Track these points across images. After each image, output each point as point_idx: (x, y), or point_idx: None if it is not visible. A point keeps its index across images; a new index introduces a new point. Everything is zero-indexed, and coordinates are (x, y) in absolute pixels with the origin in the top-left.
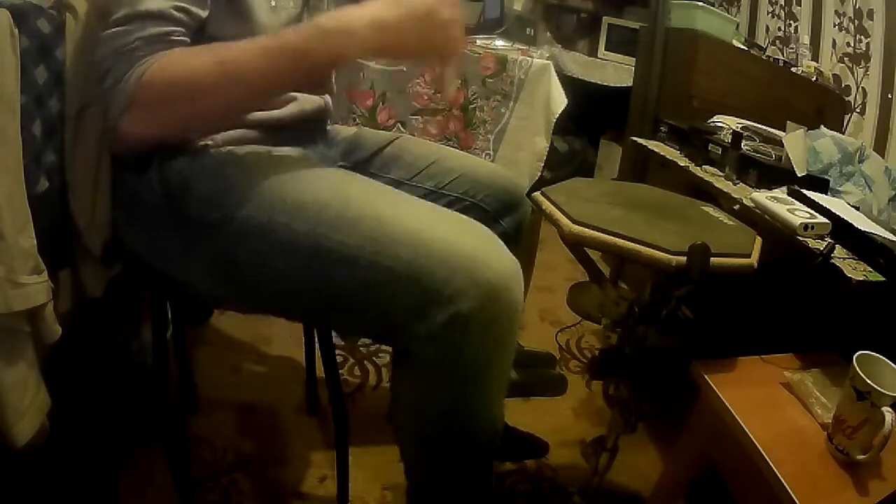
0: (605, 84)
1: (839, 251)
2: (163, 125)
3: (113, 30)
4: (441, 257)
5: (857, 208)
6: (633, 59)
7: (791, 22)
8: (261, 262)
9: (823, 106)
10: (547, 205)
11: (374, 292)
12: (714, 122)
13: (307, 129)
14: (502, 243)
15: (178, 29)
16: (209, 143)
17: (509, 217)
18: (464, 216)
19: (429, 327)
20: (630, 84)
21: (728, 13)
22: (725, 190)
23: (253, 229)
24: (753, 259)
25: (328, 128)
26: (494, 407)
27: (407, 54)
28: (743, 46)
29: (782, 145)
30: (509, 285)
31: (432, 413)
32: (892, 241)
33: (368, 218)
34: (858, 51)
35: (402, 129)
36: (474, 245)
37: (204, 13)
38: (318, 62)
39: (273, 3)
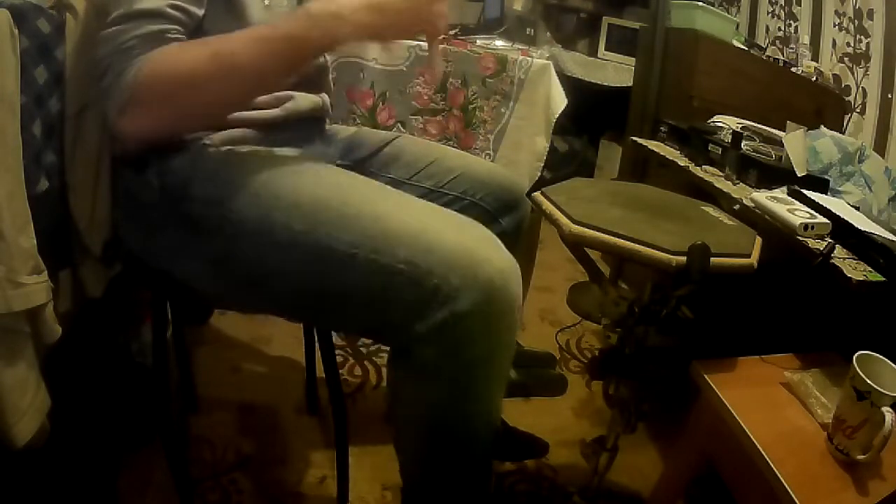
0: (605, 84)
1: (839, 251)
2: (162, 120)
3: (110, 29)
4: (439, 256)
5: (857, 208)
6: (633, 59)
7: (791, 22)
8: (259, 261)
9: (823, 106)
10: (547, 205)
11: (372, 291)
12: (714, 122)
13: (305, 129)
14: (500, 241)
15: (175, 27)
16: (208, 143)
17: (509, 216)
18: (461, 215)
19: (427, 326)
20: (630, 84)
21: (728, 13)
22: (725, 190)
23: (251, 229)
24: (753, 259)
25: (327, 127)
26: (493, 405)
27: (398, 33)
28: (743, 46)
29: (782, 145)
30: (507, 282)
31: (431, 411)
32: (892, 241)
33: (367, 216)
34: (858, 51)
35: (401, 128)
36: (472, 243)
37: (200, 12)
38: (312, 47)
39: (267, 2)
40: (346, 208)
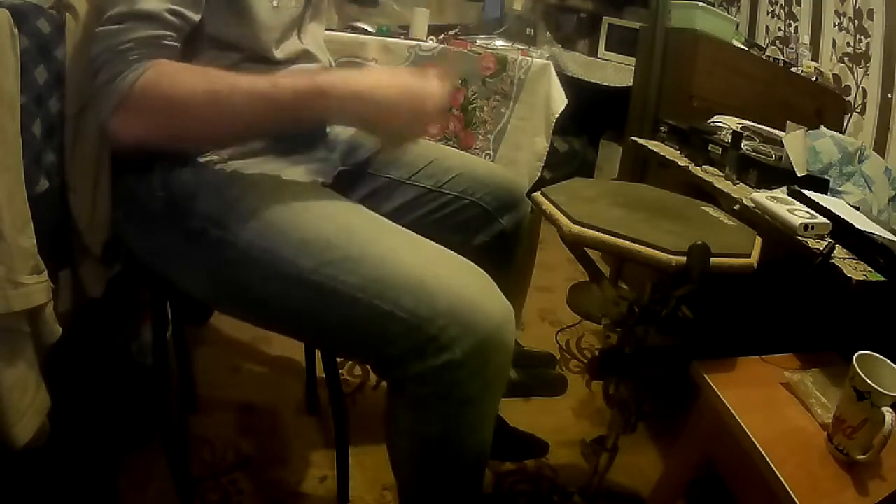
0: (605, 84)
1: (839, 251)
2: (149, 133)
3: (107, 27)
4: (440, 306)
5: (857, 208)
6: (633, 59)
7: (791, 22)
8: (262, 288)
9: (823, 106)
10: (547, 205)
11: (372, 332)
12: (714, 122)
13: (309, 134)
14: (497, 287)
15: (171, 33)
16: (214, 157)
17: (508, 215)
18: (461, 257)
19: (423, 367)
20: (630, 84)
21: (728, 13)
22: (725, 190)
23: (256, 256)
24: (753, 259)
25: (328, 129)
26: (483, 437)
27: (390, 129)
28: (743, 46)
29: (782, 145)
30: (502, 331)
31: (423, 441)
32: (892, 241)
33: (371, 259)
34: (858, 51)
35: None
36: (471, 292)
37: (197, 16)
38: (305, 120)
39: (275, 3)
40: (351, 249)
